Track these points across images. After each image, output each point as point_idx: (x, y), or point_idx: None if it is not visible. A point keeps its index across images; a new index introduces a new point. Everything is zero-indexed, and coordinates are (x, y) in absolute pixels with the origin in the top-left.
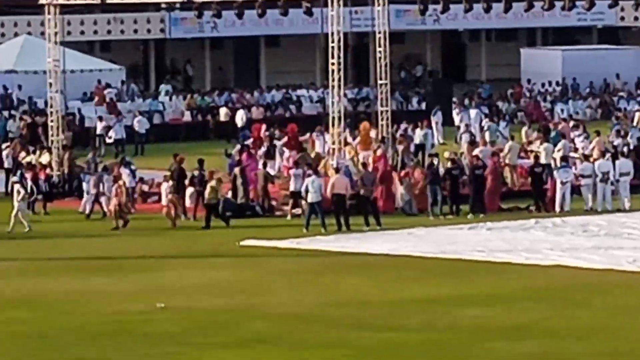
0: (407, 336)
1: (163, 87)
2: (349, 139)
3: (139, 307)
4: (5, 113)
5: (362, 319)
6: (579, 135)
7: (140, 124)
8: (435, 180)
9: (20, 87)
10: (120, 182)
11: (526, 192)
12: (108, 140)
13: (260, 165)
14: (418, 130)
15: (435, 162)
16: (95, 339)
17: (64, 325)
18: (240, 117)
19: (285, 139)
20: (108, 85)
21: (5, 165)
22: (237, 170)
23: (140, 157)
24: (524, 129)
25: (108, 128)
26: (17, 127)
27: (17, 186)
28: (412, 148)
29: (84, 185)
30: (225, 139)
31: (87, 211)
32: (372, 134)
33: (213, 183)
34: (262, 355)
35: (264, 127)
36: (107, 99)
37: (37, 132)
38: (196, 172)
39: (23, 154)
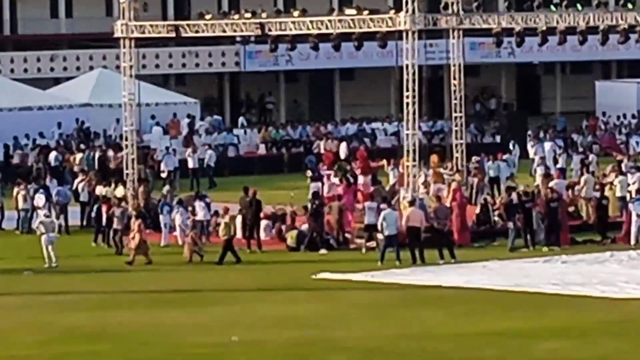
0: None
1: (242, 120)
2: (422, 172)
3: (214, 340)
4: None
5: (436, 353)
6: None
7: (210, 157)
8: (512, 212)
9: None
10: (135, 220)
11: (607, 224)
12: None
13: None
14: (490, 163)
15: (513, 195)
16: None
17: (139, 358)
18: (343, 149)
19: (358, 165)
20: (190, 117)
21: (81, 198)
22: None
23: (213, 190)
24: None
25: (183, 161)
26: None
27: (44, 220)
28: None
29: (161, 217)
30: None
31: (163, 243)
32: (442, 168)
33: (227, 219)
34: None
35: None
36: (184, 132)
37: (108, 165)
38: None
39: (99, 187)
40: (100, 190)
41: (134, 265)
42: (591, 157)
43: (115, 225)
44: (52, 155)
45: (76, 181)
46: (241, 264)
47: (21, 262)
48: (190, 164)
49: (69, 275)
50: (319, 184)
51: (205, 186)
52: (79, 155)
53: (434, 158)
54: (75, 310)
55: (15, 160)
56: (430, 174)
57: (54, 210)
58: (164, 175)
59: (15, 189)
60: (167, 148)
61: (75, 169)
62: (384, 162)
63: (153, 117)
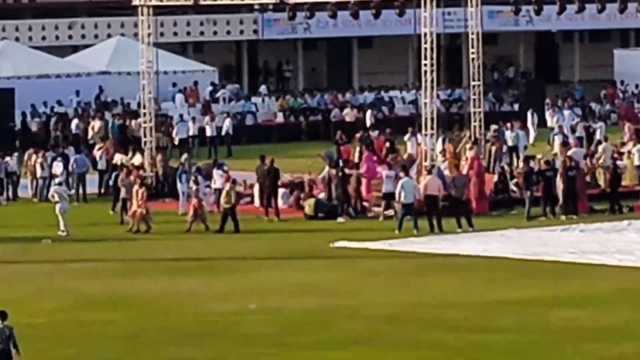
0: (499, 338)
1: (264, 89)
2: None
3: (231, 307)
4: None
5: (454, 320)
6: None
7: (226, 126)
8: (530, 182)
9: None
10: (138, 187)
11: (619, 194)
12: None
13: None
14: (509, 132)
15: (532, 164)
16: (188, 339)
17: (156, 326)
18: (369, 117)
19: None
20: (213, 85)
21: (99, 166)
22: (332, 171)
23: (230, 158)
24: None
25: (202, 129)
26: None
27: (61, 187)
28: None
29: (179, 185)
30: (318, 139)
31: (181, 211)
32: (463, 140)
33: (227, 187)
34: (355, 356)
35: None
36: (202, 100)
37: (128, 133)
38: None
39: (117, 155)
40: (118, 158)
41: (138, 233)
42: (598, 125)
43: (123, 195)
44: (74, 123)
45: (95, 149)
46: (259, 232)
47: (39, 230)
48: (209, 132)
49: (86, 243)
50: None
51: (224, 154)
52: (97, 123)
53: (449, 148)
54: (92, 278)
55: (34, 128)
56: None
57: (72, 178)
58: (176, 142)
59: (34, 157)
60: (181, 116)
61: (94, 137)
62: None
63: (174, 84)
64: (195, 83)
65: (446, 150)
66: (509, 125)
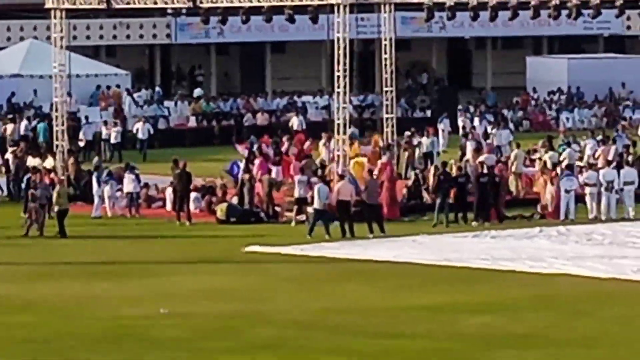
0: (411, 344)
1: (198, 92)
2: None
3: (143, 312)
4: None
5: (365, 326)
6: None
7: (142, 130)
8: (444, 187)
9: (35, 91)
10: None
11: (531, 200)
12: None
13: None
14: (425, 138)
15: (448, 169)
16: (99, 343)
17: (68, 330)
18: (298, 123)
19: (295, 150)
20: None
21: (11, 169)
22: (244, 176)
23: (143, 163)
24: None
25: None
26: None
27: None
28: (417, 155)
29: (95, 188)
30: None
31: (93, 214)
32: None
33: (58, 189)
34: None
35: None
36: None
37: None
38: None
39: (29, 158)
40: (30, 161)
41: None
42: (497, 131)
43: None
44: None
45: (8, 152)
46: (171, 237)
47: None
48: (113, 139)
49: None
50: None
51: (137, 159)
52: (9, 126)
53: (376, 139)
54: (3, 282)
55: None
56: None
57: None
58: (81, 144)
59: None
60: (86, 117)
61: (7, 139)
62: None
63: (99, 87)
64: (107, 87)
65: (373, 140)
66: (425, 131)
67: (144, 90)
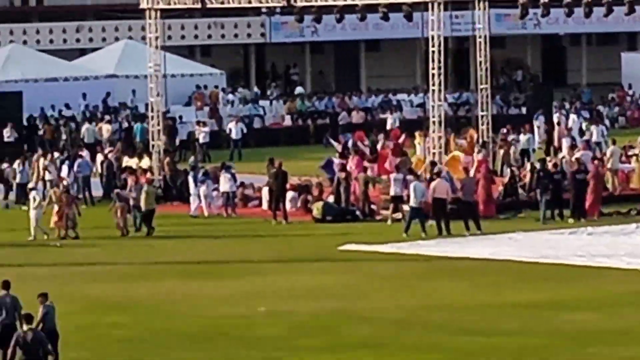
0: (507, 341)
1: (299, 89)
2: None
3: (241, 311)
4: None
5: (462, 324)
6: None
7: (235, 130)
8: (544, 184)
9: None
10: (58, 190)
11: (627, 197)
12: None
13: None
14: (521, 136)
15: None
16: (196, 342)
17: (164, 329)
18: (391, 121)
19: (391, 145)
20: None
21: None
22: (340, 174)
23: (239, 162)
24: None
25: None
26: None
27: (32, 193)
28: (512, 152)
29: (192, 188)
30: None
31: (191, 214)
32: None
33: (146, 188)
34: (362, 359)
35: None
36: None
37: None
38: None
39: (125, 158)
40: (126, 161)
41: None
42: (593, 127)
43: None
44: (84, 127)
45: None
46: (267, 236)
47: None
48: (202, 139)
49: (93, 247)
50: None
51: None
52: (105, 127)
53: (472, 133)
54: (101, 282)
55: (41, 131)
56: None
57: (77, 182)
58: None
59: (42, 160)
60: (180, 117)
61: (103, 139)
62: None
63: (199, 87)
64: (204, 87)
65: (468, 135)
66: (521, 129)
67: (242, 90)
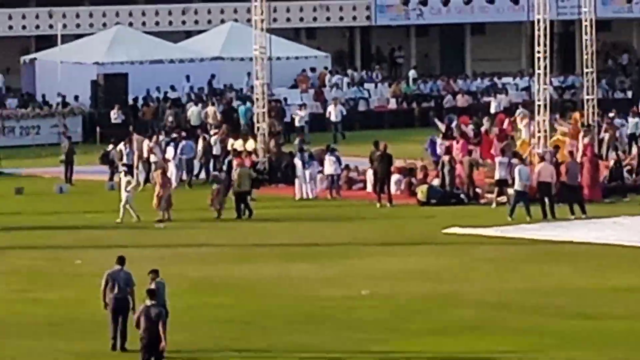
0: (610, 324)
1: (412, 73)
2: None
3: (343, 293)
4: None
5: (566, 307)
6: None
7: (334, 113)
8: None
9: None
10: (158, 173)
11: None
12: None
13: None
14: (630, 119)
15: None
16: (299, 324)
17: (267, 311)
18: (496, 105)
19: (496, 130)
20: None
21: (214, 151)
22: (445, 157)
23: (342, 144)
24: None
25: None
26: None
27: (127, 176)
28: (618, 136)
29: (299, 171)
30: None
31: (297, 196)
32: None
33: (238, 171)
34: (465, 343)
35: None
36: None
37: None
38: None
39: (231, 140)
40: (231, 143)
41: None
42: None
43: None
44: (191, 109)
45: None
46: (371, 218)
47: (150, 215)
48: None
49: (197, 229)
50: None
51: (337, 140)
52: (210, 109)
53: (576, 116)
54: (203, 263)
55: (146, 113)
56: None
57: (181, 164)
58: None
59: (146, 142)
60: (285, 99)
61: (209, 122)
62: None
63: (313, 69)
64: (313, 69)
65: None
66: (630, 112)
67: (350, 72)
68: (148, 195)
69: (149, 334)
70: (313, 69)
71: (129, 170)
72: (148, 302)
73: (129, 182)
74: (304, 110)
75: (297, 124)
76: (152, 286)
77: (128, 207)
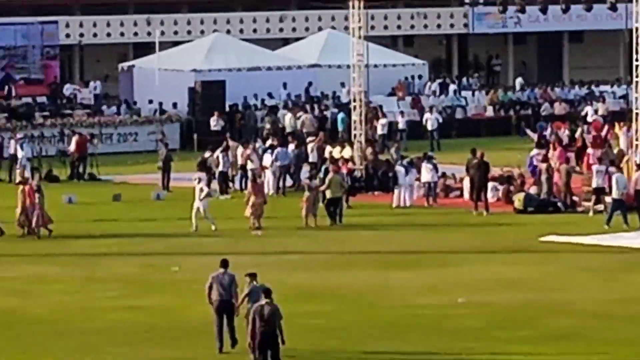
0: None
1: (519, 81)
2: None
3: (439, 301)
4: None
5: None
6: None
7: (431, 121)
8: None
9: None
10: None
11: None
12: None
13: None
14: None
15: None
16: (396, 332)
17: (364, 318)
18: (592, 113)
19: (590, 136)
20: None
21: (310, 159)
22: (542, 165)
23: (438, 152)
24: None
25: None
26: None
27: (200, 184)
28: None
29: (400, 178)
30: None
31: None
32: None
33: (330, 177)
34: (562, 351)
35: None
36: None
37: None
38: None
39: (328, 147)
40: (329, 151)
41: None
42: None
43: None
44: (287, 117)
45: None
46: (466, 226)
47: (243, 222)
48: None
49: (291, 236)
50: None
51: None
52: (306, 117)
53: None
54: (299, 270)
55: (244, 120)
56: None
57: (277, 170)
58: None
59: (242, 149)
60: (380, 107)
61: (305, 130)
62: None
63: (406, 78)
64: (413, 77)
65: None
66: None
67: (449, 82)
68: (241, 202)
69: (263, 333)
70: (410, 77)
71: (224, 179)
72: (262, 301)
73: (201, 191)
74: (401, 117)
75: (394, 131)
76: (246, 288)
77: (204, 216)
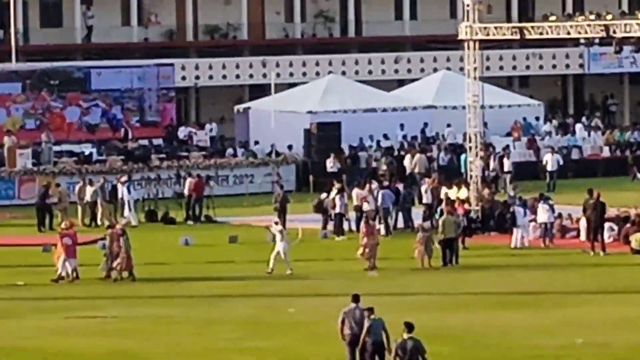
0: None
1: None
2: None
3: (557, 342)
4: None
5: None
6: None
7: (551, 162)
8: None
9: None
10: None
11: None
12: None
13: None
14: None
15: None
16: None
17: (481, 359)
18: None
19: None
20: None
21: (424, 200)
22: None
23: (554, 193)
24: None
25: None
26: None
27: (278, 227)
28: None
29: (519, 219)
30: None
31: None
32: None
33: (444, 218)
34: None
35: None
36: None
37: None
38: None
39: (444, 188)
40: (445, 192)
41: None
42: None
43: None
44: (407, 158)
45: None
46: (585, 266)
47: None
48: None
49: (405, 277)
50: None
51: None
52: (420, 157)
53: None
54: (417, 311)
55: (362, 162)
56: None
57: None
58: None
59: (356, 190)
60: (493, 148)
61: (417, 170)
62: None
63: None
64: (524, 119)
65: None
66: None
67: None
68: (357, 244)
69: None
70: (524, 118)
71: (340, 221)
72: (405, 336)
73: (281, 233)
74: (506, 159)
75: (505, 170)
76: (366, 322)
77: (284, 259)
